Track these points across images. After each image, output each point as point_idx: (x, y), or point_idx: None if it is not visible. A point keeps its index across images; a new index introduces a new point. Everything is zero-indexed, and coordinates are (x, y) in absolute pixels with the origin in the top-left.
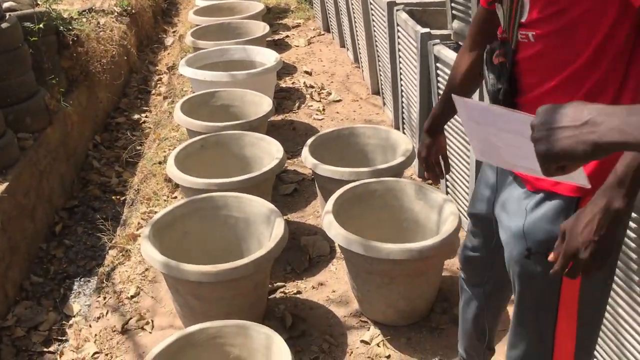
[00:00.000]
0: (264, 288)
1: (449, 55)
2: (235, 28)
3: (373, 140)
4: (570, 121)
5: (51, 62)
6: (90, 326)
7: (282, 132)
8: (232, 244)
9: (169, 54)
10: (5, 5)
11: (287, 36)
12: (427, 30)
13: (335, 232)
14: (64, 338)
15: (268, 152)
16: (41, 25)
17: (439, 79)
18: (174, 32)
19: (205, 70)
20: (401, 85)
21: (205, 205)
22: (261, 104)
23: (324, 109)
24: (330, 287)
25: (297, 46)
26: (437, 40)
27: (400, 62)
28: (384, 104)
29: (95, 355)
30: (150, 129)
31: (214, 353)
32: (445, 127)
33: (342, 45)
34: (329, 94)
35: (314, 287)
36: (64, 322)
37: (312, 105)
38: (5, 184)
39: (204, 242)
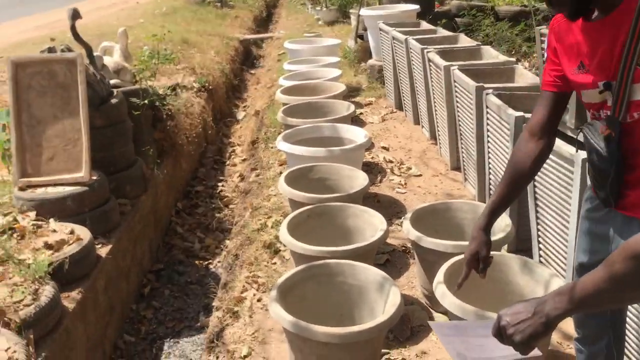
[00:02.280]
0: (378, 353)
1: None
2: (321, 107)
3: (469, 215)
4: (525, 315)
5: (147, 134)
6: None
7: (368, 205)
8: (345, 310)
9: (240, 127)
10: (112, 82)
11: (362, 113)
12: (520, 114)
13: (450, 301)
14: None
15: (370, 223)
16: (145, 101)
17: None
18: (244, 106)
19: (299, 146)
20: (489, 163)
21: (322, 271)
22: (357, 177)
23: (405, 183)
24: (434, 356)
25: (372, 122)
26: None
27: (488, 142)
28: (465, 179)
29: None
30: (228, 197)
31: None
32: (537, 190)
33: (417, 122)
34: (409, 168)
35: (417, 356)
36: None
37: (393, 179)
38: (109, 247)
39: (319, 307)
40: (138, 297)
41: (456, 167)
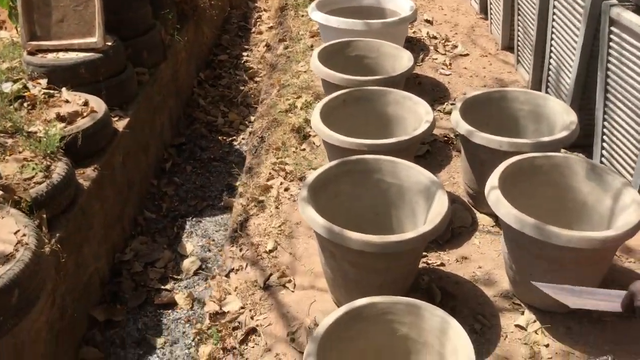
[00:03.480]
0: (418, 261)
1: (632, 19)
2: None
3: (526, 107)
4: None
5: None
6: (228, 277)
7: (408, 88)
8: (381, 210)
9: None
10: None
11: None
12: None
13: (506, 211)
14: (179, 277)
15: (413, 112)
16: None
17: (612, 44)
18: None
19: (334, 16)
20: (551, 46)
21: (358, 167)
22: (400, 57)
23: (450, 64)
24: (475, 263)
25: None
26: (615, 1)
27: (554, 20)
28: (518, 61)
29: (240, 310)
30: (253, 69)
31: (382, 328)
32: (610, 81)
33: None
34: (455, 46)
35: (457, 261)
36: (178, 261)
37: (437, 59)
38: (127, 120)
39: (354, 205)
40: (159, 172)
41: (508, 46)
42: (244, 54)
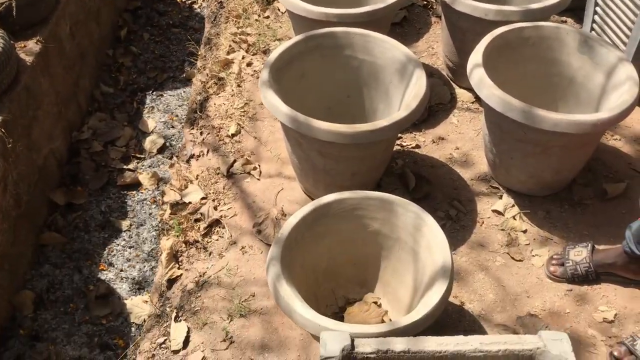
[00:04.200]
0: (392, 147)
1: None
2: None
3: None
4: None
5: None
6: (189, 164)
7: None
8: (353, 90)
9: None
10: None
11: None
12: None
13: (489, 92)
14: (142, 156)
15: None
16: None
17: None
18: None
19: None
20: None
21: (326, 42)
22: None
23: None
24: (452, 144)
25: None
26: None
27: None
28: None
29: (202, 201)
30: None
31: (352, 225)
32: None
33: None
34: None
35: (434, 142)
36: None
37: None
38: None
39: (322, 84)
40: (114, 41)
41: None
42: None
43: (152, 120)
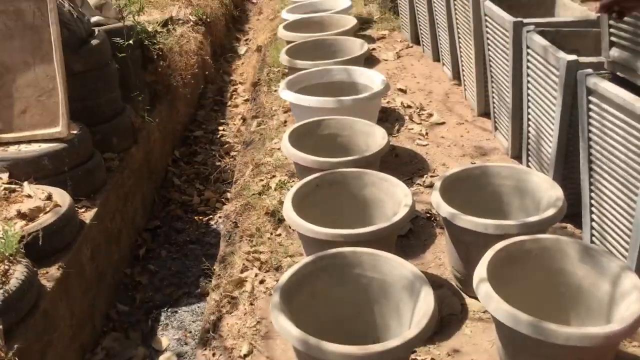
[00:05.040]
0: None
1: (610, 89)
2: (330, 45)
3: (508, 182)
4: None
5: (136, 78)
6: None
7: (384, 159)
8: (364, 308)
9: (243, 63)
10: (93, 19)
11: (374, 49)
12: (574, 57)
13: (497, 306)
14: None
15: (391, 194)
16: (130, 41)
17: (592, 113)
18: (246, 40)
19: (305, 95)
20: (528, 113)
21: (335, 262)
22: (373, 134)
23: (426, 133)
24: (468, 356)
25: (386, 60)
26: (591, 71)
27: (529, 89)
28: (496, 128)
29: None
30: (229, 143)
31: None
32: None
33: (436, 59)
34: (430, 115)
35: (449, 355)
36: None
37: (412, 128)
38: (94, 210)
39: (333, 303)
40: (132, 260)
41: (484, 112)
42: (220, 128)
43: (166, 338)
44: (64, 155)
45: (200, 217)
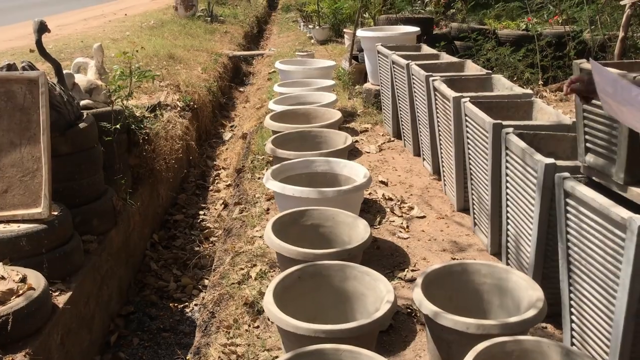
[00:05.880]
0: None
1: (586, 193)
2: (315, 136)
3: (489, 280)
4: None
5: (120, 161)
6: None
7: (366, 251)
8: None
9: (227, 149)
10: (83, 102)
11: (357, 141)
12: (552, 161)
13: None
14: None
15: (373, 288)
16: (118, 126)
17: (569, 215)
18: (231, 126)
19: (289, 184)
20: (507, 212)
21: None
22: (355, 226)
23: (407, 227)
24: None
25: (369, 152)
26: (568, 174)
27: (508, 188)
28: (475, 224)
29: None
30: (209, 228)
31: None
32: (572, 253)
33: (417, 154)
34: (411, 208)
35: None
36: None
37: (394, 221)
38: (69, 294)
39: None
40: (103, 346)
41: (463, 208)
42: (201, 212)
43: None
44: (43, 237)
45: (176, 304)
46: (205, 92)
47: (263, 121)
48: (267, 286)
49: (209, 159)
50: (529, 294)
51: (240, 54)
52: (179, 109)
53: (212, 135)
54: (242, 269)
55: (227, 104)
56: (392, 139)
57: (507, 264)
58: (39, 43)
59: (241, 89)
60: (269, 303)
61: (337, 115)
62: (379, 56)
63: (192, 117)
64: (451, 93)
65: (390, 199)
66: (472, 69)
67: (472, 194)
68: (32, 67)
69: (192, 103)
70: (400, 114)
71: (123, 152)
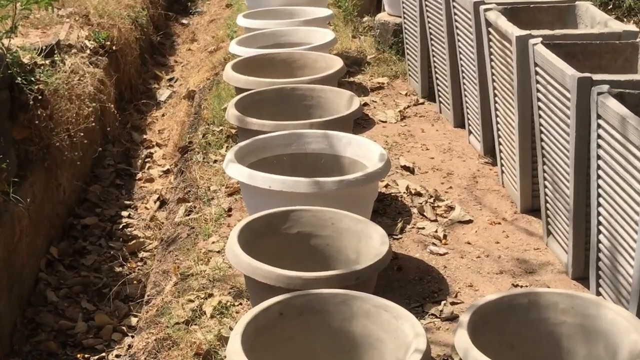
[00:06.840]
0: None
1: None
2: (302, 97)
3: (570, 319)
4: None
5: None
6: None
7: (382, 274)
8: None
9: (164, 115)
10: None
11: (366, 104)
12: None
13: None
14: None
15: (393, 331)
16: None
17: None
18: (170, 80)
19: (264, 172)
20: (599, 213)
21: None
22: (367, 236)
23: (444, 236)
24: None
25: (385, 122)
26: None
27: (600, 178)
28: (549, 233)
29: None
30: (138, 238)
31: None
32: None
33: (460, 124)
34: (450, 208)
35: None
36: None
37: (424, 228)
38: None
39: None
40: None
41: (531, 208)
42: (124, 213)
43: None
44: None
45: (87, 356)
46: (130, 26)
47: (221, 73)
48: (231, 327)
49: (135, 131)
50: (631, 339)
51: None
52: (89, 52)
53: (141, 93)
54: (191, 300)
55: (164, 45)
56: (421, 100)
57: (598, 293)
58: None
59: (184, 21)
60: (235, 354)
61: (336, 63)
62: None
63: (109, 64)
64: (514, 30)
65: (419, 194)
66: None
67: (546, 185)
68: None
69: (108, 43)
70: (434, 61)
71: (3, 120)
